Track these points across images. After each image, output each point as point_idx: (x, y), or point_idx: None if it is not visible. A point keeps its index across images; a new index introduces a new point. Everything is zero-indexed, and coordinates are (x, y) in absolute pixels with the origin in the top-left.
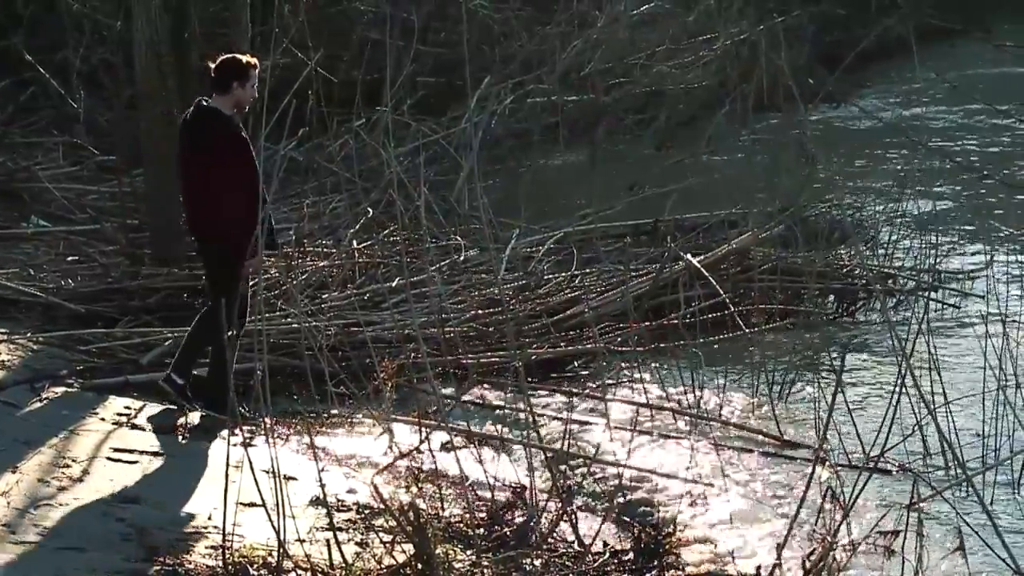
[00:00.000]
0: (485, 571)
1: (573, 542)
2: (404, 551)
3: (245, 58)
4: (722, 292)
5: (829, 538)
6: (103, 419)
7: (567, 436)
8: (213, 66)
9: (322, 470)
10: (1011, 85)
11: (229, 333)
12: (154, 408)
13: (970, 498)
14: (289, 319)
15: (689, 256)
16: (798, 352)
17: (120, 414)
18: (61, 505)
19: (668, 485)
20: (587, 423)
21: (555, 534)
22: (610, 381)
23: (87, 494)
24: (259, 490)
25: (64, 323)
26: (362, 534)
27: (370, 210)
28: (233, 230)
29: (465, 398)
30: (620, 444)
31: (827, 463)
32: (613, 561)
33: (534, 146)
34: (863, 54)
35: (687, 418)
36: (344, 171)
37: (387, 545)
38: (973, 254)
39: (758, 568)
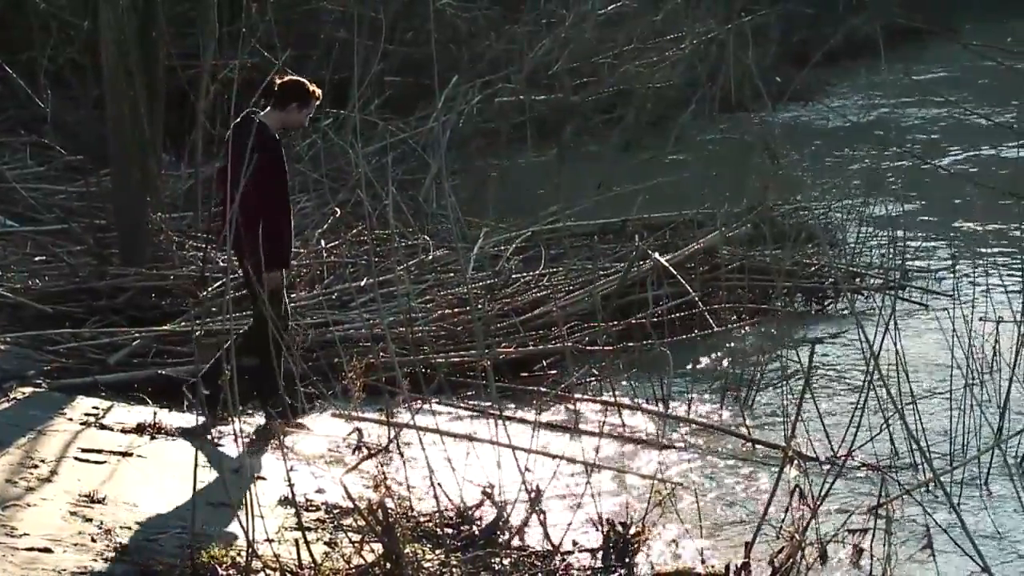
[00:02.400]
0: (454, 570)
1: (542, 541)
2: (373, 550)
3: (312, 87)
4: (690, 291)
5: (798, 537)
6: (71, 419)
7: (535, 435)
8: (279, 82)
9: (291, 469)
10: (978, 84)
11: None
12: (122, 408)
13: (938, 496)
14: None
15: (657, 255)
16: (766, 351)
17: (88, 414)
18: (29, 506)
19: (636, 484)
20: (555, 422)
21: (524, 533)
22: (578, 381)
23: (55, 494)
24: (227, 490)
25: (32, 323)
26: (331, 534)
27: (338, 210)
28: (265, 244)
29: (434, 397)
30: (588, 443)
31: (795, 462)
32: (582, 560)
33: (502, 145)
34: (831, 53)
35: (655, 417)
36: (312, 171)
37: (356, 544)
38: (940, 253)
39: (727, 567)
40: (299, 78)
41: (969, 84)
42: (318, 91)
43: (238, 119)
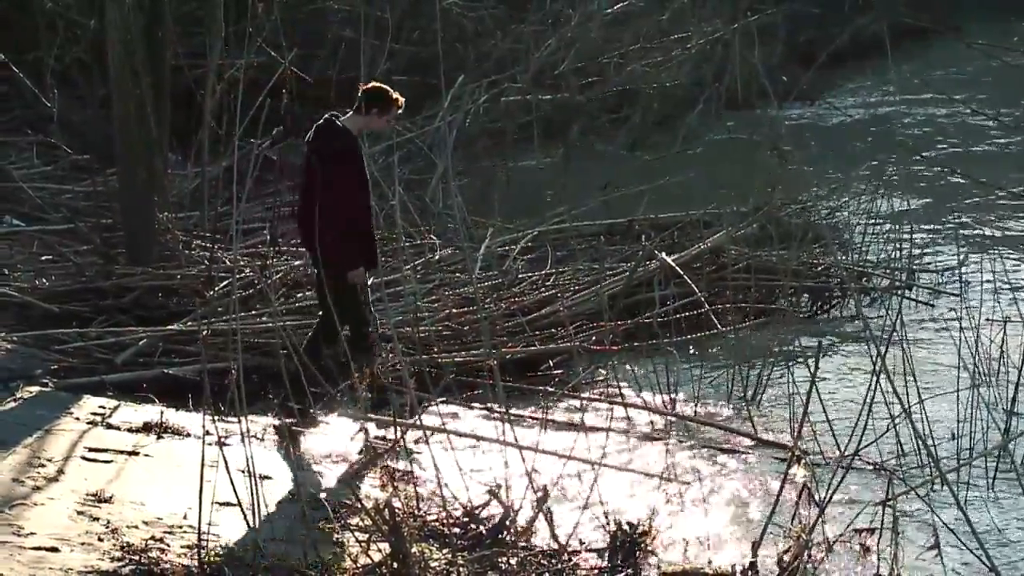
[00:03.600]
0: (461, 570)
1: (549, 540)
2: (380, 550)
3: (395, 94)
4: (697, 291)
5: (805, 536)
6: (78, 419)
7: (542, 434)
8: (363, 88)
9: (298, 469)
10: (983, 84)
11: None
12: (129, 408)
13: (945, 495)
14: (264, 318)
15: (663, 255)
16: (772, 351)
17: (95, 414)
18: (36, 505)
19: (644, 483)
20: (562, 422)
21: (531, 533)
22: (585, 380)
23: (62, 493)
24: (235, 489)
25: (38, 322)
26: (338, 533)
27: None
28: (343, 248)
29: (440, 397)
30: (595, 442)
31: (802, 461)
32: (589, 559)
33: (508, 145)
34: (837, 53)
35: (662, 417)
36: None
37: (363, 544)
38: (947, 252)
39: (733, 566)
40: (382, 85)
41: (974, 83)
42: (400, 99)
43: (319, 122)
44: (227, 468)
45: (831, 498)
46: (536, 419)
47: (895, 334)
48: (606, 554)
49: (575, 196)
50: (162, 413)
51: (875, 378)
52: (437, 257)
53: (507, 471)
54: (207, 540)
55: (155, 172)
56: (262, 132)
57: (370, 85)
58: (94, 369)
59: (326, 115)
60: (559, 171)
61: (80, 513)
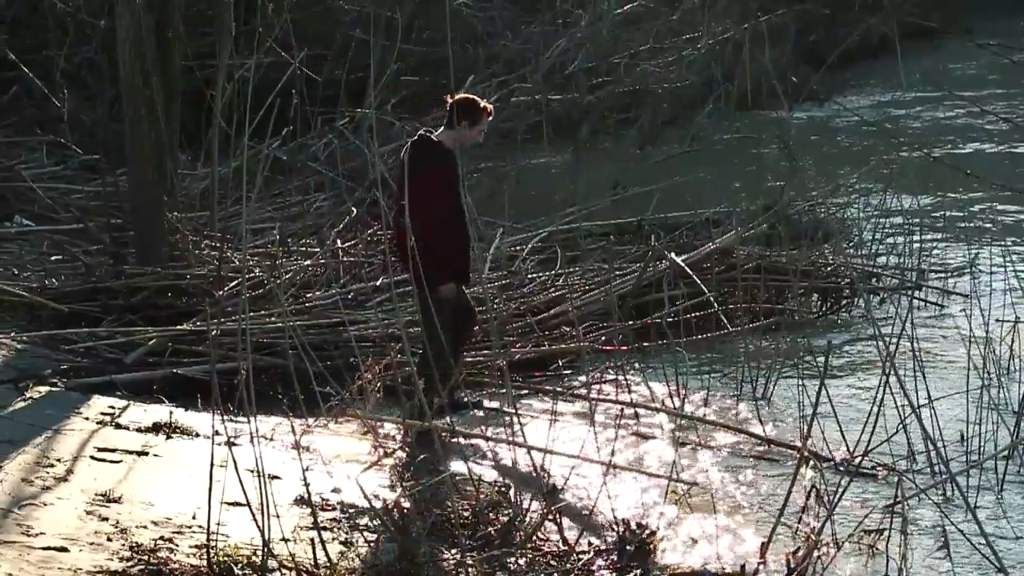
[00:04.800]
0: (470, 570)
1: (558, 541)
2: (389, 550)
3: (483, 103)
4: (706, 291)
5: (814, 537)
6: (87, 419)
7: (551, 435)
8: (451, 100)
9: (307, 469)
10: (993, 83)
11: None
12: (138, 408)
13: (954, 497)
14: (273, 318)
15: (673, 255)
16: (782, 351)
17: (104, 413)
18: (45, 505)
19: (652, 484)
20: (571, 422)
21: (540, 533)
22: (594, 380)
23: (71, 493)
24: (243, 489)
25: (48, 322)
26: (347, 533)
27: (354, 209)
28: (433, 263)
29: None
30: (604, 443)
31: (811, 462)
32: (597, 560)
33: (518, 145)
34: (847, 53)
35: (671, 417)
36: (328, 170)
37: (372, 544)
38: (957, 253)
39: (742, 567)
40: (470, 96)
41: (983, 83)
42: (489, 107)
43: (414, 137)
44: (236, 468)
45: (840, 499)
46: (545, 419)
47: (904, 335)
48: (615, 554)
49: (585, 196)
50: (171, 413)
51: (884, 379)
52: None
53: (516, 471)
54: (216, 540)
55: (165, 172)
56: (272, 132)
57: (458, 97)
58: (104, 369)
59: (420, 131)
60: (569, 171)
61: (89, 513)
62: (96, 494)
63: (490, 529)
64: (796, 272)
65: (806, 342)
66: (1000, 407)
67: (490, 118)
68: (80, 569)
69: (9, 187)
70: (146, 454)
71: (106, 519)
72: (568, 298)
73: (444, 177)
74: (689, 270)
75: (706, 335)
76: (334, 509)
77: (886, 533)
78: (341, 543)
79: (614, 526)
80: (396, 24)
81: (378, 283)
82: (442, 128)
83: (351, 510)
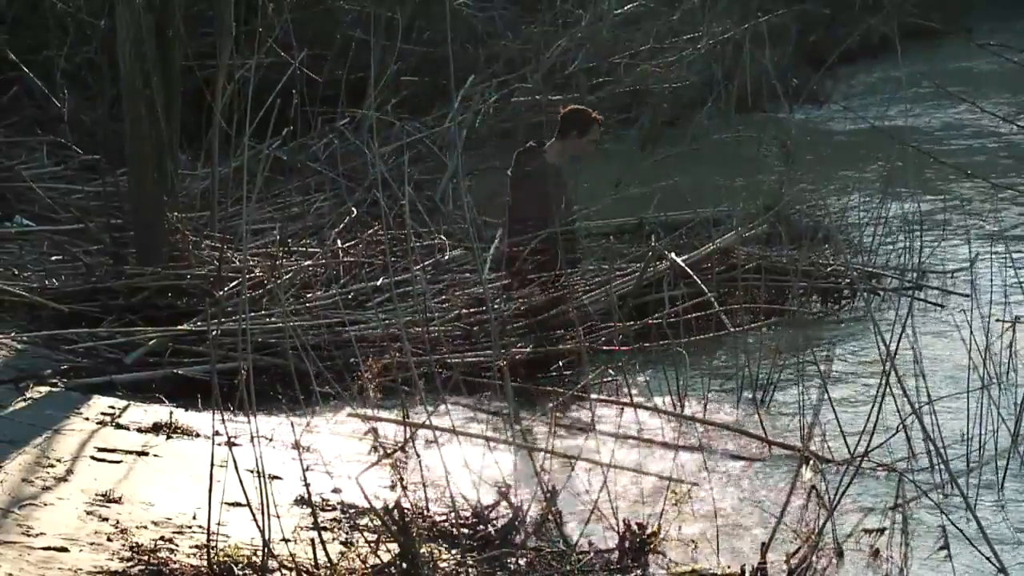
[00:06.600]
0: (470, 570)
1: (558, 541)
2: (389, 550)
3: (593, 113)
4: (707, 291)
5: (814, 537)
6: (87, 419)
7: (551, 435)
8: (561, 112)
9: (307, 469)
10: (993, 84)
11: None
12: (138, 408)
13: (955, 498)
14: (273, 318)
15: (673, 255)
16: (782, 351)
17: (104, 413)
18: (45, 505)
19: (652, 484)
20: (571, 422)
21: (540, 533)
22: (594, 380)
23: (71, 493)
24: (244, 489)
25: (48, 322)
26: (347, 533)
27: (354, 209)
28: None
29: (449, 397)
30: (604, 443)
31: (811, 463)
32: (598, 561)
33: (518, 145)
34: (847, 53)
35: (671, 417)
36: (328, 170)
37: (372, 544)
38: (957, 253)
39: (742, 567)
40: (579, 107)
41: (984, 84)
42: (599, 116)
43: (522, 149)
44: (236, 468)
45: (840, 500)
46: (545, 419)
47: (904, 335)
48: (615, 555)
49: (585, 196)
50: (171, 413)
51: (885, 379)
52: (447, 257)
53: (516, 472)
54: (216, 540)
55: (165, 172)
56: (272, 132)
57: (568, 108)
58: (104, 369)
59: (528, 143)
60: (569, 171)
61: (89, 513)
62: (96, 494)
63: (490, 529)
64: (796, 272)
65: (807, 342)
66: (1000, 407)
67: (602, 128)
68: (80, 569)
69: (9, 187)
70: (146, 454)
71: (106, 519)
72: (568, 299)
73: (538, 187)
74: (689, 270)
75: (707, 335)
76: (334, 509)
77: (886, 533)
78: (341, 543)
79: (614, 526)
80: (396, 24)
81: (378, 283)
82: (553, 139)
83: (351, 510)
